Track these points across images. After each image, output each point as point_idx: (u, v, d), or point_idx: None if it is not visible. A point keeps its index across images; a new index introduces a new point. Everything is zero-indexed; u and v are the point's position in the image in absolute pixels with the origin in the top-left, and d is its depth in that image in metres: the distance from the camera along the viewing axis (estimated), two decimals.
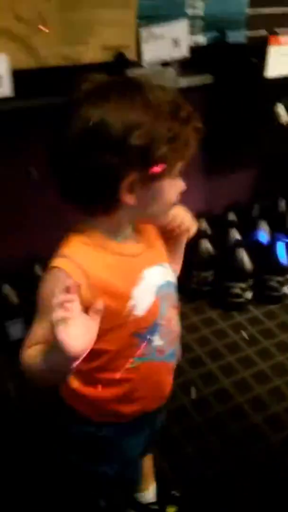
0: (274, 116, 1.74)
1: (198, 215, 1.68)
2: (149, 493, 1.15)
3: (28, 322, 1.61)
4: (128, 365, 0.81)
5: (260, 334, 1.71)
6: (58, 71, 1.04)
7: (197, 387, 1.49)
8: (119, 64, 1.11)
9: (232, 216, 1.93)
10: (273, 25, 1.49)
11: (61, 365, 0.66)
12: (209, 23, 1.20)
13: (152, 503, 1.15)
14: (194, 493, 1.21)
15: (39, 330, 0.73)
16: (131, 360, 0.81)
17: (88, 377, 0.82)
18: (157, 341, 0.82)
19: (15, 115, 1.16)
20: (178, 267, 0.94)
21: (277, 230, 1.88)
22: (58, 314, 0.61)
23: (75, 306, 0.63)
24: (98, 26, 1.04)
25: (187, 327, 1.70)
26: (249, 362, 1.59)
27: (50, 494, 1.20)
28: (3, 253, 1.60)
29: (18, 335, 1.62)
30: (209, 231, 1.83)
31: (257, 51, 1.42)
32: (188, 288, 1.80)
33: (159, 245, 0.86)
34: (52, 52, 1.03)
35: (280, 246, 1.78)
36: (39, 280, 0.77)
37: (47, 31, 1.00)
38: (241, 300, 1.78)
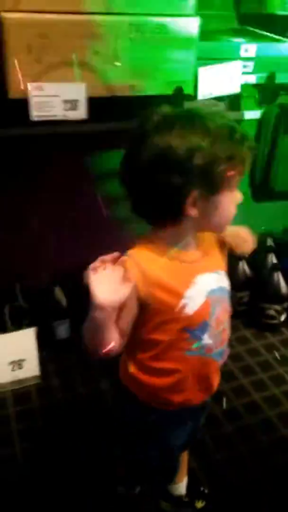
0: None
1: None
2: (182, 486, 1.22)
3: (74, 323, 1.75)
4: (179, 357, 0.91)
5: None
6: (126, 100, 1.21)
7: (228, 399, 1.56)
8: (178, 97, 1.27)
9: (269, 242, 2.03)
10: None
11: (94, 319, 0.79)
12: (259, 64, 1.35)
13: (183, 496, 1.22)
14: (221, 494, 1.27)
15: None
16: (182, 353, 0.90)
17: (143, 365, 0.93)
18: (206, 339, 0.91)
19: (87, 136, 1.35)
20: None
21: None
22: (92, 266, 0.78)
23: (109, 270, 0.79)
24: (162, 64, 1.21)
25: None
26: (280, 380, 1.65)
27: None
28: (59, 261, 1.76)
29: (64, 335, 1.77)
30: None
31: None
32: None
33: (216, 253, 0.96)
34: (121, 84, 1.20)
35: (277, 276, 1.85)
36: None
37: (119, 65, 1.17)
38: (275, 321, 1.86)
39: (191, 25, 1.20)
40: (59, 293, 1.73)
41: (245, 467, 1.35)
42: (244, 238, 1.03)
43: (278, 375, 1.67)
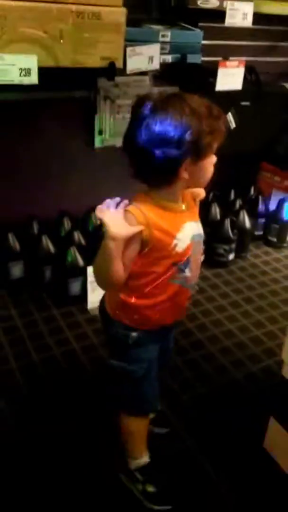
0: (226, 122, 2.29)
1: None
2: (141, 462, 1.33)
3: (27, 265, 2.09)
4: (165, 285, 1.11)
5: (208, 287, 2.20)
6: (70, 70, 1.54)
7: None
8: (111, 70, 1.62)
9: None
10: (222, 53, 2.05)
11: (106, 248, 1.01)
12: (174, 47, 1.73)
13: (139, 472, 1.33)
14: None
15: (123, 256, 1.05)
16: (168, 281, 1.11)
17: (134, 290, 1.13)
18: (187, 272, 1.13)
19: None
20: None
21: (226, 211, 2.40)
22: (100, 207, 1.02)
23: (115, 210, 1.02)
24: (98, 43, 1.55)
25: None
26: (199, 304, 2.09)
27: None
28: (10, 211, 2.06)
29: (18, 275, 2.07)
30: None
31: (210, 71, 1.96)
32: None
33: (194, 206, 1.17)
34: (66, 57, 1.53)
35: (228, 222, 2.29)
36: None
37: (64, 42, 1.50)
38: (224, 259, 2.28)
39: (119, 14, 1.55)
40: (12, 238, 2.03)
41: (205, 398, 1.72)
42: (199, 190, 1.21)
43: (197, 301, 2.09)
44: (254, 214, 2.50)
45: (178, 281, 1.13)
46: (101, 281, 1.12)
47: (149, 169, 1.04)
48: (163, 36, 1.69)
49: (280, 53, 2.44)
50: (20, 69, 1.46)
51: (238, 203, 2.48)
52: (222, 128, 1.04)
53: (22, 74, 1.47)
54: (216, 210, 2.41)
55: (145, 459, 1.31)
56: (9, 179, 2.07)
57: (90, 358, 1.74)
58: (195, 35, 1.77)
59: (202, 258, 1.24)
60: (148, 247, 1.07)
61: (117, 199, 1.05)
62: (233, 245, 2.31)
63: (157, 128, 0.97)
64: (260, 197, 2.56)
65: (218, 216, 2.37)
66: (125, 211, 1.05)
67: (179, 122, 0.97)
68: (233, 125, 2.26)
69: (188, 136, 0.98)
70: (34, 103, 1.88)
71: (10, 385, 1.61)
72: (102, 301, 1.24)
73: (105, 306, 1.22)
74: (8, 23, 1.40)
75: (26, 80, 1.49)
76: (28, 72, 1.48)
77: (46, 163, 2.13)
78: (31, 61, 1.48)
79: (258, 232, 2.56)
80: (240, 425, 1.50)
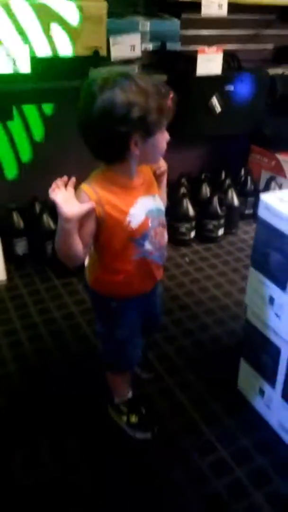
0: (211, 107, 2.44)
1: None
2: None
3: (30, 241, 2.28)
4: (128, 260, 1.18)
5: (199, 259, 2.37)
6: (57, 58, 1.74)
7: None
8: (96, 58, 1.81)
9: (183, 180, 2.60)
10: (205, 42, 2.21)
11: (63, 229, 1.06)
12: (153, 36, 1.91)
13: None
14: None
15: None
16: (130, 257, 1.18)
17: (104, 268, 1.22)
18: (147, 246, 1.19)
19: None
20: (164, 199, 1.30)
21: (215, 190, 2.55)
22: (51, 189, 1.06)
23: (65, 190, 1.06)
24: (83, 33, 1.74)
25: None
26: (187, 274, 2.25)
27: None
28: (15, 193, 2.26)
29: (23, 251, 2.27)
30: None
31: (190, 58, 2.13)
32: None
33: (152, 182, 1.22)
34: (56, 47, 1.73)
35: (216, 199, 2.45)
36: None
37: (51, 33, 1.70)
38: (185, 237, 2.44)
39: (100, 8, 1.74)
40: (16, 216, 2.23)
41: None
42: (161, 164, 1.26)
43: (186, 271, 2.27)
44: (244, 194, 2.66)
45: (140, 255, 1.20)
46: (63, 257, 1.15)
47: (100, 146, 1.08)
48: (143, 26, 1.87)
49: (261, 41, 2.59)
50: (13, 59, 1.67)
51: (227, 182, 2.63)
52: (170, 106, 1.07)
53: (16, 63, 1.68)
54: (206, 190, 2.58)
55: (128, 395, 1.48)
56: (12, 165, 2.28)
57: (87, 320, 1.92)
58: (173, 24, 1.96)
59: (164, 230, 1.26)
60: (103, 223, 1.13)
61: (65, 178, 1.08)
62: (222, 221, 2.46)
63: (105, 105, 1.01)
64: (249, 177, 2.71)
65: (208, 195, 2.53)
66: (78, 189, 1.10)
67: (126, 99, 1.00)
68: (218, 109, 2.42)
69: (134, 113, 1.01)
70: (33, 94, 2.08)
71: (14, 341, 1.81)
72: (85, 275, 1.33)
73: (86, 279, 1.31)
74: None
75: (21, 69, 1.69)
76: (20, 61, 1.69)
77: (46, 148, 2.33)
78: (24, 51, 1.68)
79: (248, 211, 2.71)
80: (216, 370, 1.67)
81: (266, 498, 1.27)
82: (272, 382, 1.40)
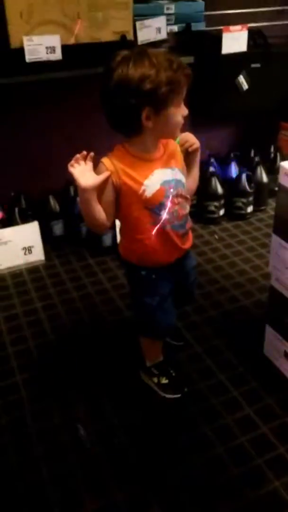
0: (238, 85, 2.47)
1: None
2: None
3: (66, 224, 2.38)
4: (147, 229, 1.25)
5: (228, 236, 2.42)
6: (90, 45, 1.83)
7: None
8: (124, 42, 1.88)
9: (212, 160, 2.64)
10: (229, 22, 2.24)
11: (82, 199, 1.16)
12: (178, 18, 1.97)
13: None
14: None
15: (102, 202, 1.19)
16: (148, 224, 1.25)
17: (128, 237, 1.32)
18: (164, 215, 1.25)
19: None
20: (196, 178, 1.37)
21: (244, 168, 2.58)
22: (70, 164, 1.14)
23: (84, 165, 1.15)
24: (110, 19, 1.82)
25: None
26: (217, 250, 2.31)
27: None
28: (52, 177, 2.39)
29: (59, 233, 2.40)
30: None
31: (216, 37, 2.16)
32: None
33: (175, 155, 1.26)
34: (85, 34, 1.81)
35: (244, 177, 2.48)
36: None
37: (81, 22, 1.79)
38: (215, 215, 2.50)
39: None
40: (52, 200, 2.36)
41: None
42: (192, 141, 1.32)
43: (216, 248, 2.33)
44: (273, 171, 2.67)
45: (157, 223, 1.25)
46: (89, 225, 1.27)
47: (115, 118, 1.15)
48: (167, 9, 1.93)
49: (287, 17, 2.58)
50: (46, 47, 1.77)
51: (256, 160, 2.66)
52: (181, 79, 1.12)
53: (48, 52, 1.78)
54: (235, 168, 2.61)
55: (159, 358, 1.58)
56: (48, 153, 2.40)
57: (120, 294, 2.03)
58: (197, 5, 2.01)
59: (183, 201, 1.30)
60: (120, 191, 1.21)
61: (84, 152, 1.16)
62: (251, 198, 2.50)
63: (118, 78, 1.09)
64: (278, 154, 2.72)
65: (237, 173, 2.57)
66: (100, 161, 1.20)
67: (137, 73, 1.08)
68: (245, 86, 2.45)
69: (145, 86, 1.08)
70: (66, 82, 2.18)
71: (53, 314, 1.94)
72: (118, 246, 1.43)
73: (119, 249, 1.40)
74: (34, 9, 1.71)
75: (52, 57, 1.80)
76: (53, 50, 1.79)
77: (79, 136, 2.43)
78: (55, 40, 1.78)
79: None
80: (244, 338, 1.74)
81: None
82: None
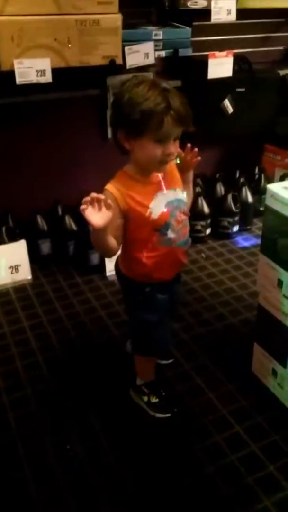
0: (223, 109, 2.54)
1: None
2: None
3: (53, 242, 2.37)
4: (154, 248, 1.29)
5: (214, 255, 2.45)
6: (78, 69, 1.87)
7: None
8: (112, 67, 1.93)
9: (198, 180, 2.69)
10: (216, 48, 2.32)
11: (95, 236, 1.17)
12: (166, 44, 2.03)
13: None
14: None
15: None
16: (155, 244, 1.29)
17: (135, 255, 1.32)
18: (170, 234, 1.29)
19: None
20: (190, 195, 1.43)
21: (230, 188, 2.64)
22: (82, 207, 1.10)
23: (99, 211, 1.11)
24: (100, 44, 1.87)
25: None
26: (204, 269, 2.35)
27: None
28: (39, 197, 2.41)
29: (47, 251, 2.39)
30: None
31: (202, 63, 2.23)
32: None
33: (174, 176, 1.31)
34: (74, 58, 1.85)
35: (230, 197, 2.53)
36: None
37: (71, 46, 1.83)
38: (201, 234, 2.53)
39: (115, 20, 1.87)
40: (40, 219, 2.36)
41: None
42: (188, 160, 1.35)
43: (203, 266, 2.36)
44: (258, 191, 2.73)
45: (164, 243, 1.30)
46: (100, 253, 1.37)
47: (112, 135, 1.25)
48: (156, 35, 1.99)
49: (271, 43, 2.69)
50: (37, 70, 1.80)
51: (241, 180, 2.71)
52: (161, 119, 1.12)
53: (38, 75, 1.81)
54: (221, 188, 2.67)
55: (151, 378, 1.57)
56: (36, 172, 2.42)
57: (107, 313, 2.03)
58: (184, 32, 2.07)
59: (185, 217, 1.35)
60: (128, 215, 1.24)
61: (93, 194, 1.12)
62: (236, 218, 2.55)
63: (117, 93, 1.21)
64: (263, 175, 2.79)
65: (223, 193, 2.62)
66: (104, 189, 1.23)
67: (128, 94, 1.15)
68: (230, 110, 2.52)
69: (123, 108, 1.15)
70: (54, 103, 2.22)
71: (41, 333, 1.93)
72: (117, 263, 1.44)
73: (119, 267, 1.43)
74: (25, 34, 1.74)
75: (42, 80, 1.83)
76: (43, 73, 1.82)
77: (67, 155, 2.46)
78: (45, 63, 1.82)
79: (263, 208, 2.77)
80: (232, 356, 1.76)
81: (280, 469, 1.35)
82: (283, 362, 1.47)
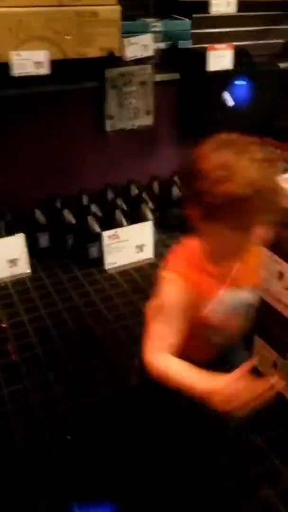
0: (223, 101, 2.53)
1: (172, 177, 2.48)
2: None
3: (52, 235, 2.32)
4: (199, 351, 0.95)
5: None
6: (76, 61, 1.85)
7: None
8: (110, 58, 1.92)
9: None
10: (216, 40, 2.30)
11: (195, 392, 0.82)
12: (165, 35, 2.01)
13: None
14: None
15: (163, 332, 0.87)
16: (201, 348, 0.99)
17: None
18: (217, 339, 0.99)
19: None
20: None
21: None
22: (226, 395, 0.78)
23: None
24: (98, 36, 1.85)
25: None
26: None
27: None
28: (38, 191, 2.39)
29: (45, 245, 2.39)
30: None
31: (202, 55, 2.22)
32: None
33: (253, 272, 0.98)
34: (72, 50, 1.84)
35: None
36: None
37: (69, 38, 1.81)
38: None
39: (114, 12, 1.85)
40: (38, 212, 2.36)
41: None
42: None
43: None
44: None
45: (209, 347, 1.02)
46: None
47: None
48: (154, 26, 1.98)
49: (271, 36, 2.67)
50: (35, 62, 1.79)
51: None
52: (258, 209, 0.81)
53: (36, 67, 1.80)
54: None
55: None
56: (34, 165, 2.41)
57: (107, 306, 2.03)
58: (183, 24, 2.06)
59: (244, 324, 1.02)
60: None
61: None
62: None
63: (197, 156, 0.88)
64: None
65: None
66: (169, 278, 0.90)
67: (201, 166, 0.84)
68: (230, 103, 2.51)
69: (200, 182, 0.82)
70: (52, 96, 2.21)
71: (39, 326, 1.93)
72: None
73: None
74: (23, 26, 1.73)
75: (41, 71, 1.81)
76: (41, 64, 1.81)
77: (65, 148, 2.45)
78: (44, 55, 1.80)
79: None
80: None
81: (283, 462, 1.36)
82: (284, 354, 1.47)
